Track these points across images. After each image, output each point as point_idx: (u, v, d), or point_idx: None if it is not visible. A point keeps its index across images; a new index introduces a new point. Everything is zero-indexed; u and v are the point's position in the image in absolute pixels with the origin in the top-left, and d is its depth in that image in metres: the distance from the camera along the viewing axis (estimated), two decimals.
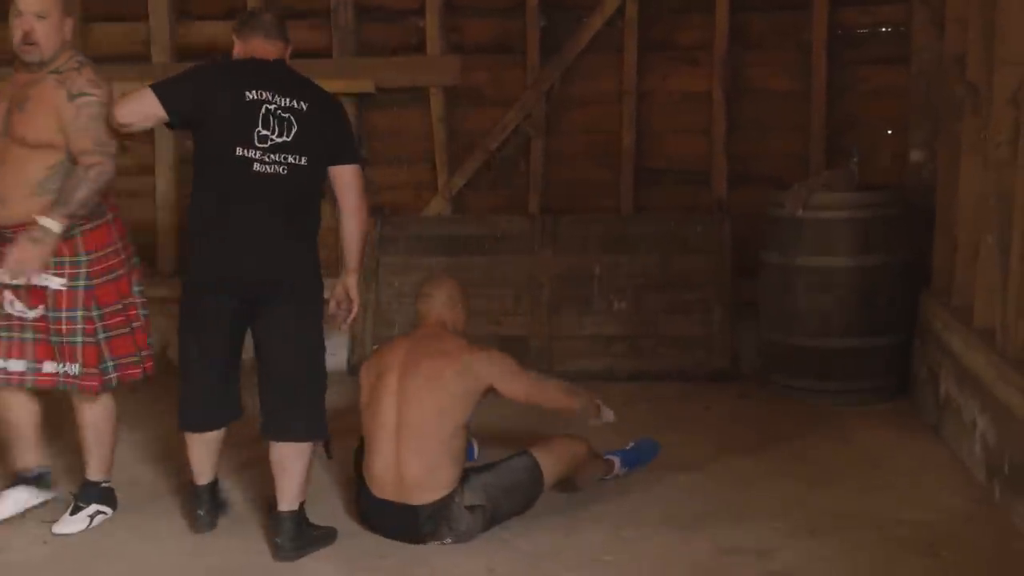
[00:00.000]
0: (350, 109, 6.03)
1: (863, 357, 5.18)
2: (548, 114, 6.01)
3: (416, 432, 3.65)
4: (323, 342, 3.66)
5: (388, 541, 3.72)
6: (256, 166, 3.47)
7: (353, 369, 5.71)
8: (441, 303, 3.86)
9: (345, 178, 3.65)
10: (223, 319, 3.56)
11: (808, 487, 4.16)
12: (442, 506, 3.64)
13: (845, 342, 5.16)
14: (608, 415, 4.01)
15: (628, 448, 4.32)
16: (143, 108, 3.48)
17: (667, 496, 4.11)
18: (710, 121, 5.88)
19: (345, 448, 4.33)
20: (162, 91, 3.48)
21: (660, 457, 4.37)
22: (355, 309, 3.78)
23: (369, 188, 5.97)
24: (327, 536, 3.73)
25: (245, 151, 3.47)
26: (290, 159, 3.50)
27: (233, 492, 4.17)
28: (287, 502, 3.62)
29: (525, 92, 5.98)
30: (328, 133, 3.59)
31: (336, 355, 5.94)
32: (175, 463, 4.36)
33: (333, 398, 5.31)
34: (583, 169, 6.05)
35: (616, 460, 4.23)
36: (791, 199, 5.22)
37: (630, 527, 3.82)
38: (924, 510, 3.91)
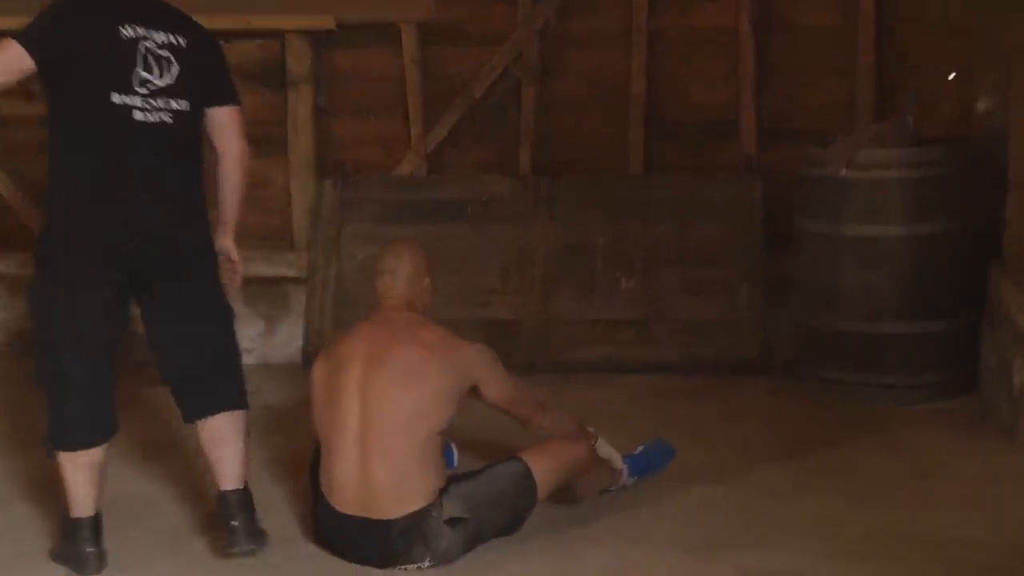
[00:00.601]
0: (305, 50, 6.05)
1: (920, 345, 5.18)
2: (543, 55, 5.99)
3: (385, 435, 3.65)
4: (230, 305, 3.81)
5: (351, 566, 3.71)
6: (137, 114, 3.52)
7: (309, 360, 5.66)
8: (405, 278, 3.83)
9: (223, 119, 3.72)
10: (108, 299, 3.57)
11: (851, 502, 4.14)
12: (417, 520, 3.62)
13: (898, 327, 5.16)
14: (608, 451, 4.11)
15: (637, 453, 4.31)
16: (9, 63, 3.45)
17: (682, 511, 4.10)
18: (736, 64, 5.88)
19: (297, 450, 4.39)
20: (27, 39, 3.46)
21: (674, 464, 4.35)
22: (239, 271, 3.88)
23: (330, 143, 6.09)
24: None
25: (124, 97, 3.51)
26: (174, 104, 3.57)
27: (174, 506, 4.16)
28: (234, 479, 3.74)
29: (515, 30, 5.97)
30: (206, 72, 3.67)
31: (290, 344, 6.02)
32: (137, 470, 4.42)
33: (287, 394, 5.42)
34: (584, 121, 6.04)
35: (623, 468, 4.22)
36: (834, 156, 5.20)
37: (638, 548, 3.81)
38: (992, 529, 3.90)
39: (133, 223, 3.52)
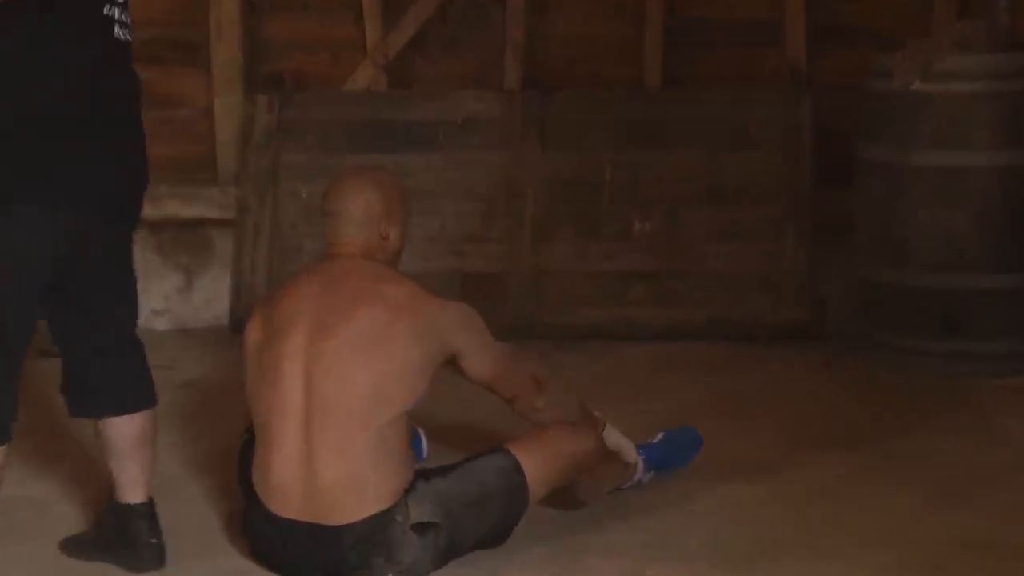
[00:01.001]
0: None
1: (1014, 304, 5.20)
2: None
3: (337, 419, 3.65)
4: None
5: None
6: (117, 30, 3.61)
7: (239, 323, 5.62)
8: (362, 216, 3.80)
9: None
10: (50, 252, 3.61)
11: (929, 503, 4.15)
12: (376, 526, 3.62)
13: (986, 281, 5.18)
14: (619, 441, 4.12)
15: (655, 442, 4.32)
16: None
17: (713, 516, 4.11)
18: None
19: (224, 437, 4.39)
20: None
21: (702, 457, 4.37)
22: None
23: (263, 49, 6.10)
24: None
25: (110, 8, 3.59)
26: (128, 22, 3.68)
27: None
28: (143, 489, 3.83)
29: None
30: None
31: (214, 304, 6.06)
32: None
33: (211, 367, 5.51)
34: (587, 21, 6.05)
35: (638, 461, 4.22)
36: (905, 65, 5.21)
37: (658, 562, 3.81)
38: None
39: (106, 165, 3.60)
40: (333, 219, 3.82)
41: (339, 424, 3.64)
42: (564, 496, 4.01)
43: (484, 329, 3.82)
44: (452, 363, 3.78)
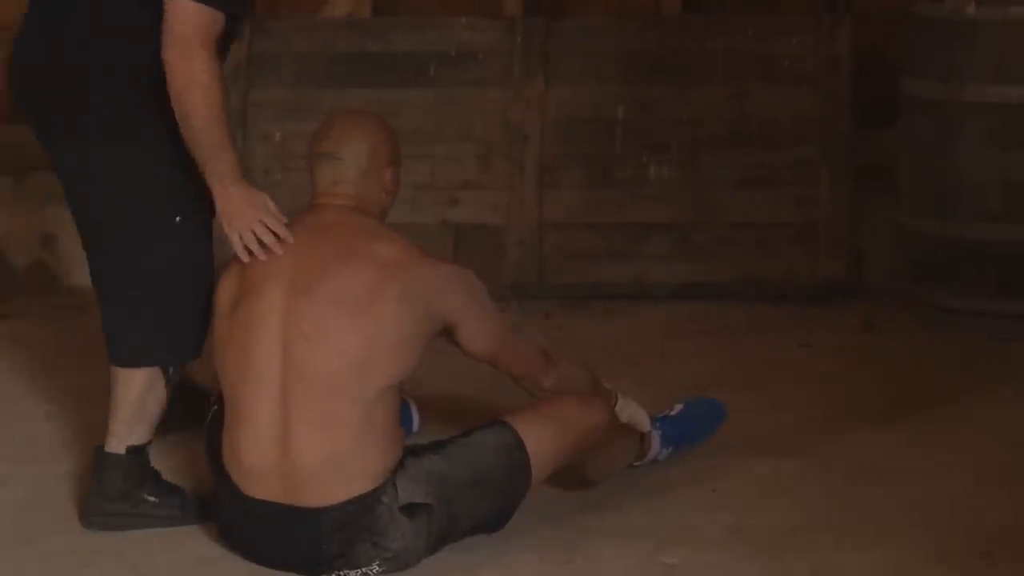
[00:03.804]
0: None
1: None
2: None
3: (317, 390, 3.65)
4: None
5: (267, 572, 3.71)
6: None
7: None
8: (358, 166, 3.80)
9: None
10: None
11: (983, 483, 4.15)
12: (361, 509, 3.65)
13: None
14: (633, 413, 4.12)
15: (673, 414, 4.35)
16: None
17: (738, 497, 4.12)
18: None
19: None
20: None
21: (726, 430, 4.38)
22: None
23: None
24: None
25: None
26: None
27: None
28: None
29: None
30: None
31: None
32: None
33: None
34: None
35: (654, 435, 4.24)
36: None
37: (677, 548, 3.81)
38: None
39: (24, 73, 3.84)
40: (329, 164, 3.80)
41: (319, 394, 3.63)
42: (571, 475, 4.03)
43: (483, 296, 3.81)
44: (447, 334, 3.77)
